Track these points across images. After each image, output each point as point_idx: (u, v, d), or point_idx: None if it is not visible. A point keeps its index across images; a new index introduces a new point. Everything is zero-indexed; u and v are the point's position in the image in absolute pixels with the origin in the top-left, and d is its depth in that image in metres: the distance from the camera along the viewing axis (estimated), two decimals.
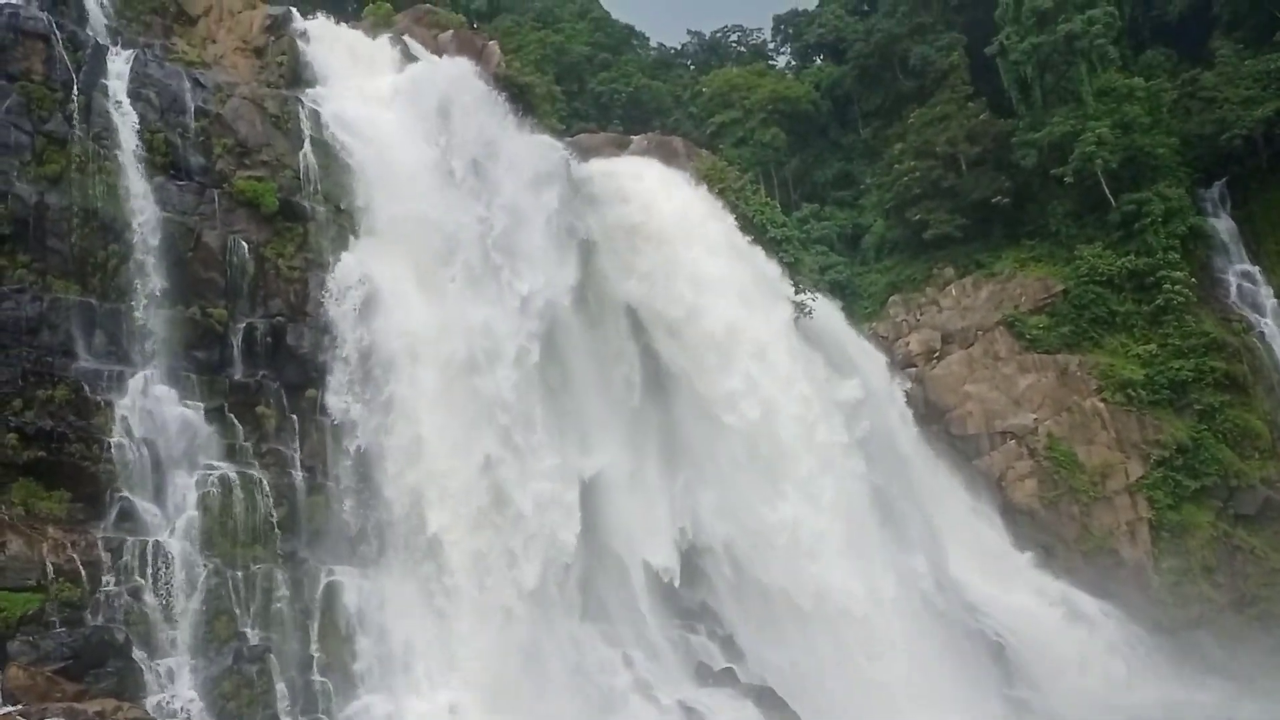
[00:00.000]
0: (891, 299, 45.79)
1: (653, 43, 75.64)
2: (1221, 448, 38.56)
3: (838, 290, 45.17)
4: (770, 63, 69.48)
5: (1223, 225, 45.24)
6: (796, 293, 33.05)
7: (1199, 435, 38.67)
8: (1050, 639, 33.31)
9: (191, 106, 23.21)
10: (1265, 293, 43.19)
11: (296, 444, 21.96)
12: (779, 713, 23.42)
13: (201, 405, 20.90)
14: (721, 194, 33.06)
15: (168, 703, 17.71)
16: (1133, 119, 43.33)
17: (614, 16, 71.50)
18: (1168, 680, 32.35)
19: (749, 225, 33.00)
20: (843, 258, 50.11)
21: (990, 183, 45.54)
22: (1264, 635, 33.92)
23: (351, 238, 24.40)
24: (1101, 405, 39.55)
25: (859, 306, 45.52)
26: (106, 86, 22.03)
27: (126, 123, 21.90)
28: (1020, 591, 35.39)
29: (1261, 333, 41.99)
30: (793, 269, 33.89)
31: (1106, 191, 43.16)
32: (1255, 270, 43.92)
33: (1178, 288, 40.83)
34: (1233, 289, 43.61)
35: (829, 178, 55.60)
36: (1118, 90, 44.35)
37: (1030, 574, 36.54)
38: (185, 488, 19.98)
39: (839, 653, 26.28)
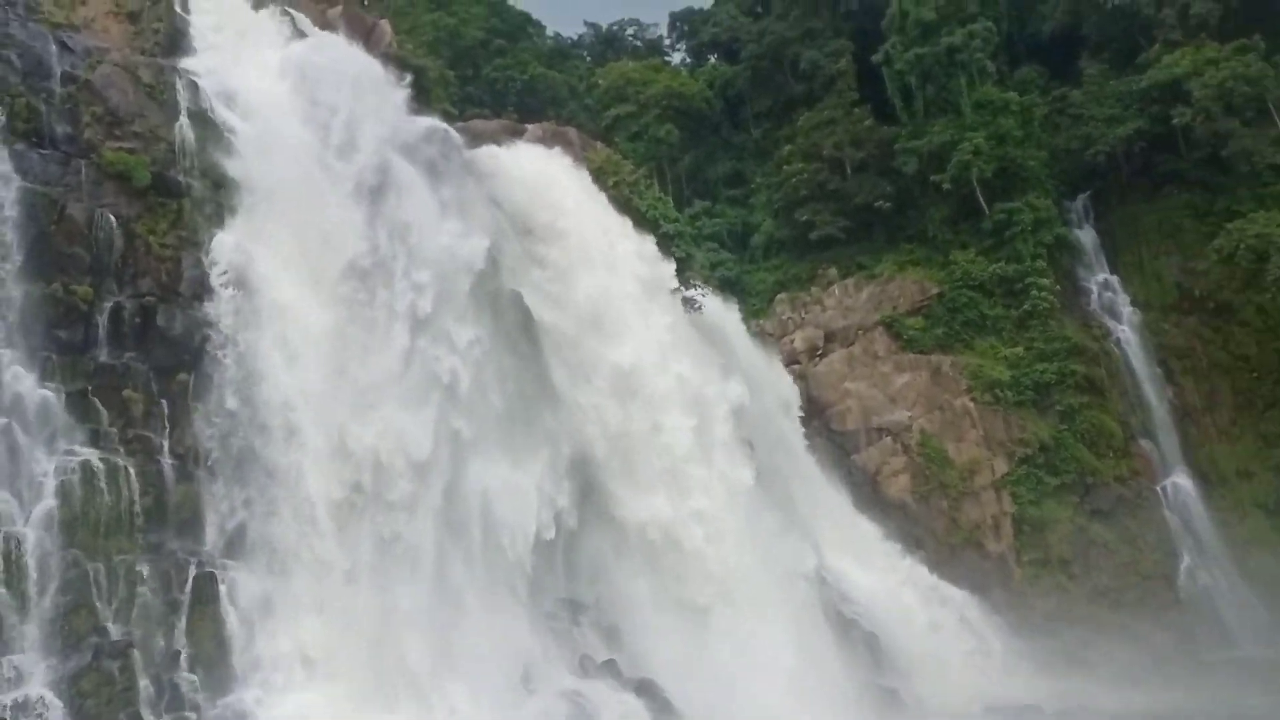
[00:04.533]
0: (778, 297, 46.73)
1: (549, 32, 75.16)
2: (1079, 447, 40.66)
3: (727, 287, 45.77)
4: (665, 59, 69.80)
5: (1086, 236, 47.76)
6: (687, 288, 33.41)
7: (1059, 435, 40.71)
8: (920, 630, 34.47)
9: (57, 71, 21.90)
10: (1122, 300, 45.75)
11: (165, 430, 20.98)
12: (660, 706, 23.58)
13: (62, 388, 19.78)
14: (615, 188, 33.16)
15: (20, 701, 16.75)
16: (1007, 131, 45.25)
17: (510, 3, 70.77)
18: (1030, 671, 33.72)
19: (642, 220, 33.17)
20: (732, 255, 50.80)
21: (873, 187, 46.91)
22: (1117, 626, 35.85)
23: (229, 216, 23.46)
24: (971, 404, 41.23)
25: (747, 304, 46.25)
26: None
27: None
28: (892, 584, 36.50)
29: (1118, 339, 44.49)
30: (684, 264, 34.22)
31: (981, 200, 45.01)
32: (1114, 279, 46.47)
33: (1044, 294, 42.93)
34: (1094, 297, 46.07)
35: (721, 175, 56.19)
36: (994, 103, 46.22)
37: (902, 566, 37.74)
38: (43, 475, 18.86)
39: (716, 637, 26.48)
